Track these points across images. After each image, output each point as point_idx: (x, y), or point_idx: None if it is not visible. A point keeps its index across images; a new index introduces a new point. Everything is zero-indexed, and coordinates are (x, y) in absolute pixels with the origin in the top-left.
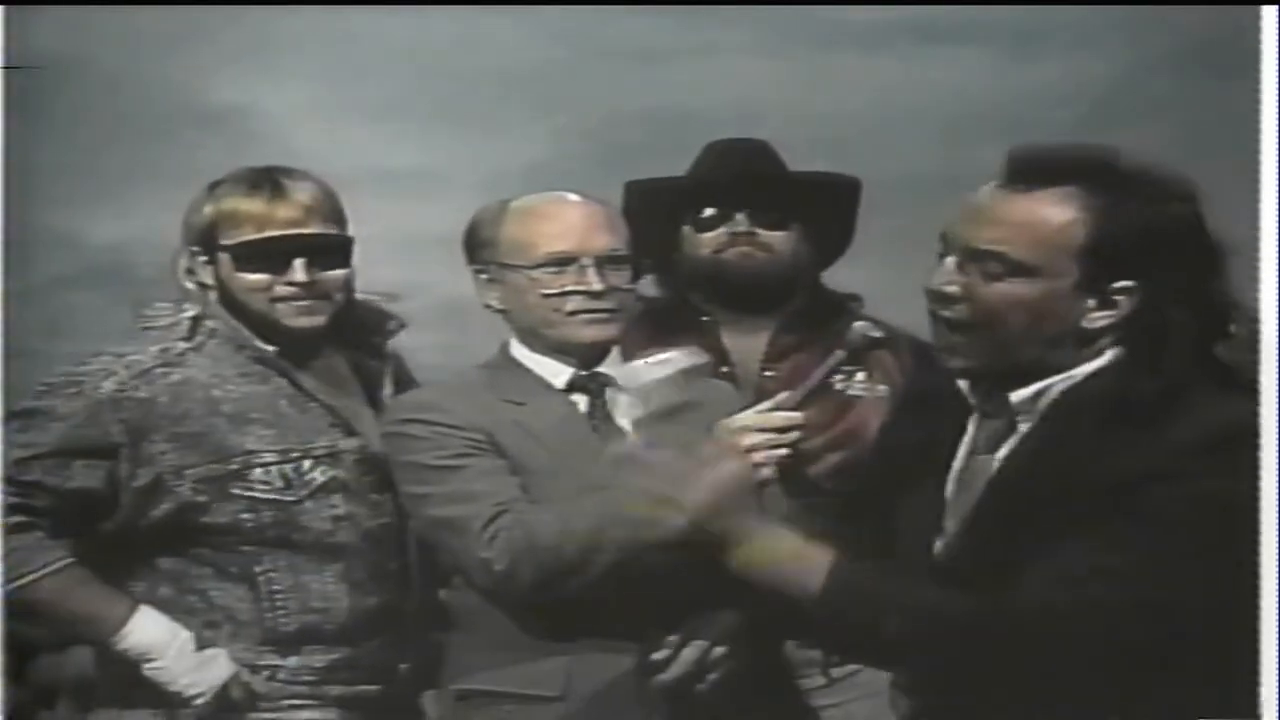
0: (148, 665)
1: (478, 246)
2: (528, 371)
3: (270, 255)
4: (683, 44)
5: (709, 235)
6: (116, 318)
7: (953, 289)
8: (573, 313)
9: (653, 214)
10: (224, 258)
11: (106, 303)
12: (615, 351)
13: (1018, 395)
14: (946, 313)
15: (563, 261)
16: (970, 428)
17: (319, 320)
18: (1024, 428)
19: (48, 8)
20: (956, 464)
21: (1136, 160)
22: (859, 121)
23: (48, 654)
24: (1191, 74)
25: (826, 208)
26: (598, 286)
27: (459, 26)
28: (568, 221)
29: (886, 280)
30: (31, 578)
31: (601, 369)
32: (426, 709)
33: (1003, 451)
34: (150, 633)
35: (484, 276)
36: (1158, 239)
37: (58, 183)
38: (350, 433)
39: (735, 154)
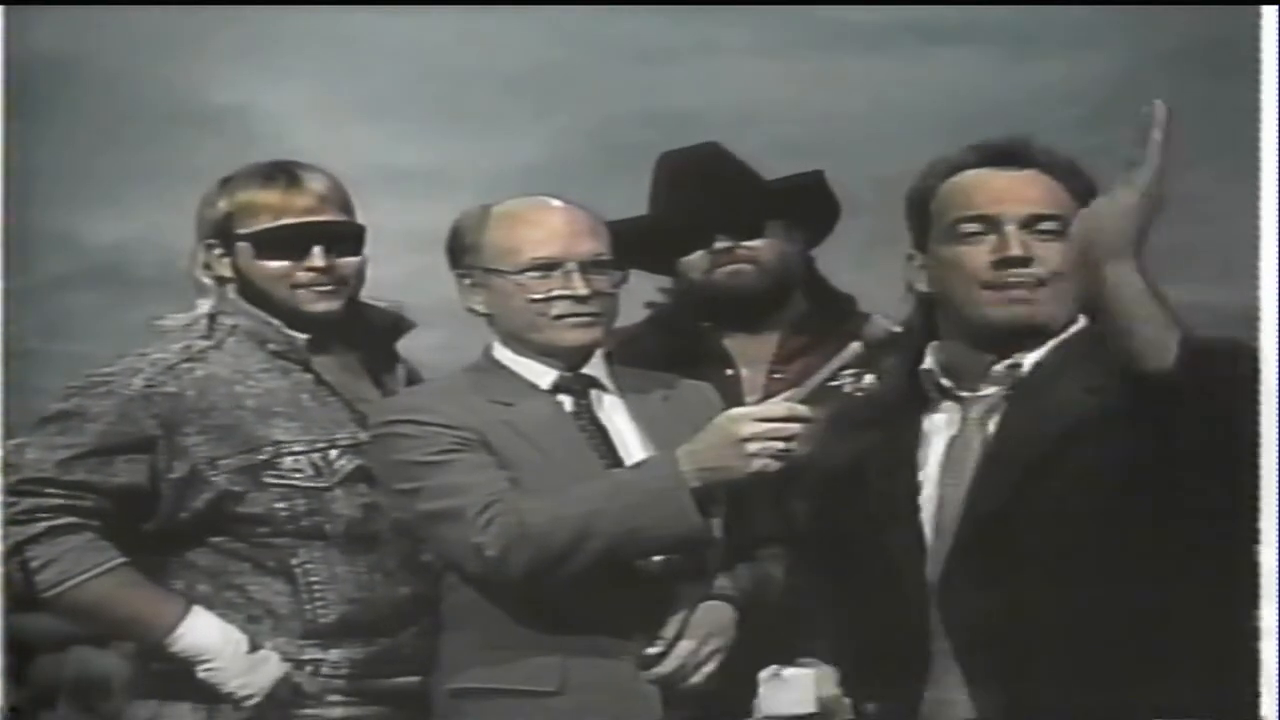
0: (201, 667)
1: (461, 252)
2: (513, 373)
3: (290, 242)
4: (683, 44)
5: (693, 259)
6: (116, 318)
7: (1029, 253)
8: (559, 317)
9: (636, 249)
10: (243, 247)
11: (106, 303)
12: (599, 353)
13: (1031, 358)
14: (1023, 274)
15: (548, 266)
16: (944, 412)
17: (336, 305)
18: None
19: (48, 8)
20: (938, 448)
21: (1042, 146)
22: (859, 121)
23: (48, 654)
24: (1191, 74)
25: (798, 206)
26: (583, 291)
27: (459, 26)
28: (552, 227)
29: (886, 280)
30: (83, 578)
31: (586, 370)
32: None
33: (994, 424)
34: (204, 635)
35: (468, 281)
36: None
37: (58, 183)
38: (366, 426)
39: (691, 168)
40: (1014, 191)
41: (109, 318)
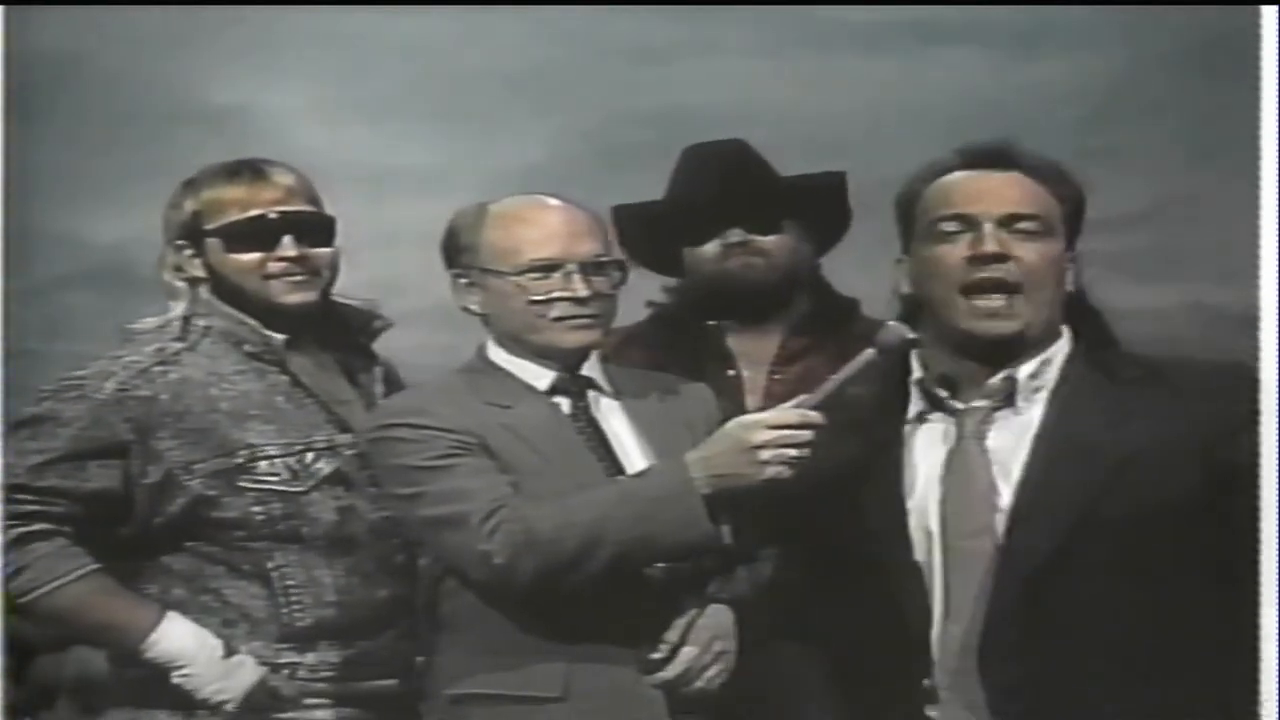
0: (177, 673)
1: (457, 251)
2: (509, 375)
3: (259, 233)
4: (682, 44)
5: (706, 249)
6: (116, 318)
7: (1004, 250)
8: (558, 319)
9: (646, 235)
10: (213, 243)
11: (106, 303)
12: (594, 354)
13: (1024, 370)
14: (996, 273)
15: (548, 268)
16: (937, 423)
17: (312, 296)
18: (1030, 406)
19: (48, 7)
20: (933, 460)
21: (1027, 150)
22: (859, 121)
23: (48, 654)
24: (1191, 74)
25: (815, 207)
26: (583, 292)
27: (459, 26)
28: (551, 227)
29: (887, 281)
30: (56, 584)
31: (582, 371)
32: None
33: (991, 438)
34: (179, 641)
35: (464, 281)
36: (1080, 212)
37: (58, 183)
38: (344, 428)
39: (715, 160)
40: (994, 191)
41: (109, 318)
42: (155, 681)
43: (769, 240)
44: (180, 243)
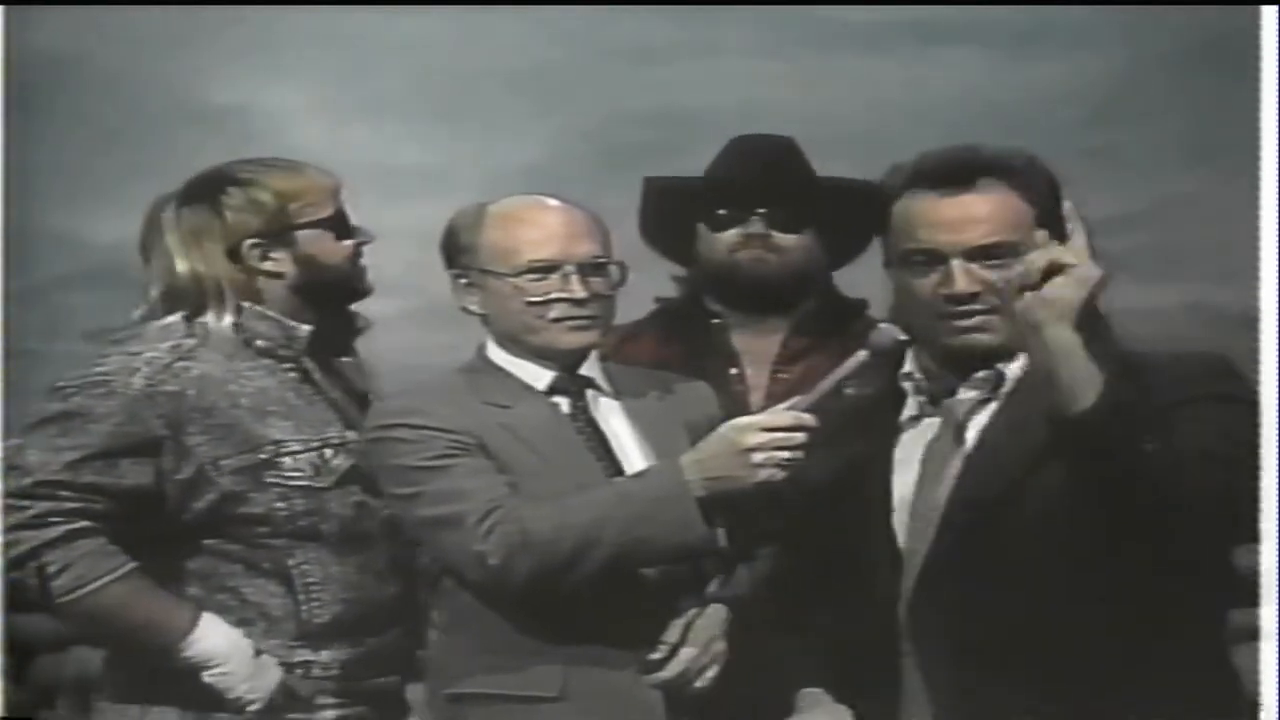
0: (210, 672)
1: (456, 251)
2: (508, 375)
3: (346, 223)
4: (683, 44)
5: (724, 235)
6: (116, 318)
7: (975, 287)
8: (556, 320)
9: (670, 211)
10: (312, 235)
11: (106, 303)
12: (593, 354)
13: (1013, 366)
14: (970, 305)
15: (546, 269)
16: (925, 415)
17: (370, 283)
18: (994, 402)
19: (48, 7)
20: (917, 452)
21: (995, 148)
22: (859, 121)
23: (48, 654)
24: (1191, 74)
25: (848, 214)
26: (581, 294)
27: (459, 26)
28: (550, 228)
29: (886, 280)
30: (99, 584)
31: (581, 371)
32: (417, 714)
33: (974, 427)
34: (215, 641)
35: (463, 281)
36: (1056, 204)
37: (58, 183)
38: (349, 425)
39: (758, 153)
40: (959, 221)
41: (109, 318)
42: (162, 679)
43: (788, 239)
44: (257, 240)
